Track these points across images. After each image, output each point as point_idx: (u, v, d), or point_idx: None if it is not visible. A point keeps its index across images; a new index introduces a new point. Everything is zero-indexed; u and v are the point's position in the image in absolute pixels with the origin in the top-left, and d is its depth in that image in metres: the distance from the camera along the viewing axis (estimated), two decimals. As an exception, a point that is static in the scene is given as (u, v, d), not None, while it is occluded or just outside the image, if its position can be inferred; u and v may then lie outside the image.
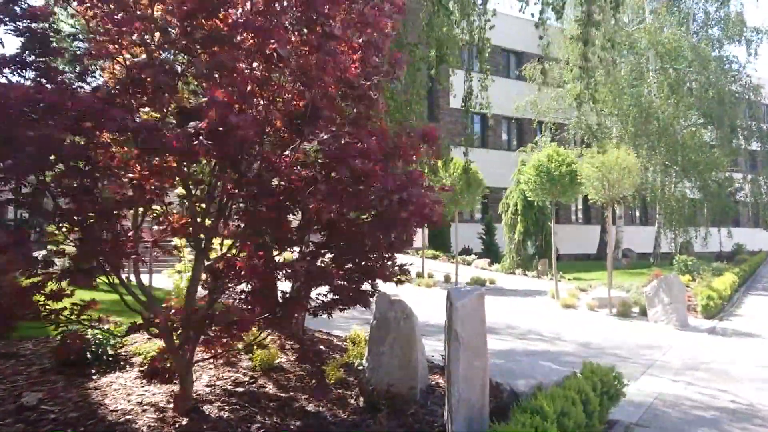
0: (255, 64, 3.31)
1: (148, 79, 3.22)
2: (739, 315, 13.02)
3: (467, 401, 4.00)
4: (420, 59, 8.38)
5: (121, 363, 5.31)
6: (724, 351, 8.87)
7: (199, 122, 2.83)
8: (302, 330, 6.65)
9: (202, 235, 3.92)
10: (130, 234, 3.44)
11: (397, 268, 4.55)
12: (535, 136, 27.60)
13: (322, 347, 6.48)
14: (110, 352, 5.46)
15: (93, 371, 5.08)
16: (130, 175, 3.17)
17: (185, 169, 3.27)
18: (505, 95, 22.83)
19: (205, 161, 3.84)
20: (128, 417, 3.87)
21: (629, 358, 7.77)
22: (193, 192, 3.70)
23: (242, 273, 3.61)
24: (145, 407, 4.07)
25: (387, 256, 4.38)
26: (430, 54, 8.44)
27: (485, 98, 9.01)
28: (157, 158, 3.17)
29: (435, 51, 8.29)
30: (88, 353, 5.26)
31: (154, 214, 3.99)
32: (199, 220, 3.92)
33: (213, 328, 3.80)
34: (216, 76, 3.11)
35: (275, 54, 3.12)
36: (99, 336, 5.25)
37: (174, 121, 3.25)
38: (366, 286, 4.47)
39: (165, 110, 3.18)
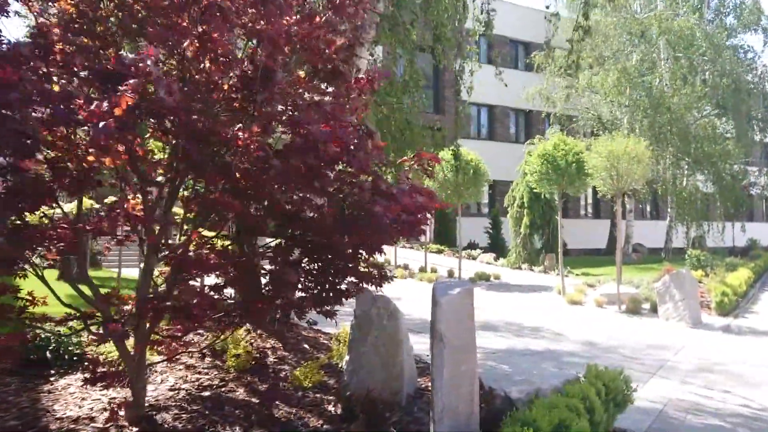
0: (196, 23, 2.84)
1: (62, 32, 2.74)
2: (755, 312, 12.44)
3: (453, 410, 3.56)
4: (414, 46, 7.93)
5: (86, 364, 4.94)
6: (739, 351, 8.36)
7: (120, 92, 2.36)
8: (286, 327, 6.23)
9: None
10: (59, 221, 3.01)
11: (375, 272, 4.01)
12: (543, 127, 26.97)
13: (306, 346, 6.06)
14: (76, 351, 5.10)
15: (53, 372, 4.73)
16: (47, 151, 2.75)
17: (121, 147, 2.82)
18: (512, 86, 22.25)
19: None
20: (72, 426, 3.47)
21: (638, 359, 7.28)
22: (138, 173, 3.27)
23: (193, 266, 3.18)
24: (95, 415, 3.66)
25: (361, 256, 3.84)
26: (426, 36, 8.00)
27: (470, 81, 8.55)
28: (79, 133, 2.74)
29: (432, 30, 7.83)
30: (47, 353, 4.92)
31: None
32: (151, 205, 3.50)
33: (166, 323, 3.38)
34: (146, 32, 2.66)
35: (215, 6, 2.67)
36: (61, 335, 4.88)
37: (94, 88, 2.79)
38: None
39: (76, 70, 2.71)
